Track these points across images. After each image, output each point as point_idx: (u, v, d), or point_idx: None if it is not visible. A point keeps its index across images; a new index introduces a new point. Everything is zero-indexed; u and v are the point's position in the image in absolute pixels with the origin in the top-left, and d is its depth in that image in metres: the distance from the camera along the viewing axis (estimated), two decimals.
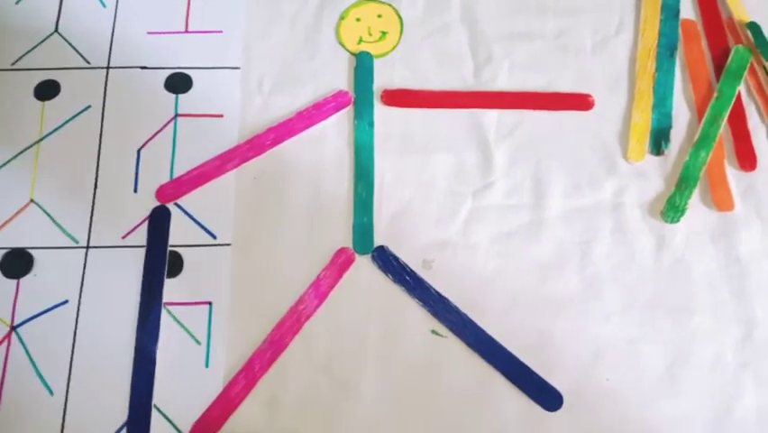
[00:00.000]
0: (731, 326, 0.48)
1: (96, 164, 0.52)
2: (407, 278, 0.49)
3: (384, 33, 0.55)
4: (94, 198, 0.51)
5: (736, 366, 0.47)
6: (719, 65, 0.55)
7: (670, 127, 0.53)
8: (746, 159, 0.52)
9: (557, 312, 0.48)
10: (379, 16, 0.56)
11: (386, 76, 0.55)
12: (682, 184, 0.51)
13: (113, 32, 0.56)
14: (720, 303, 0.48)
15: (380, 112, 0.54)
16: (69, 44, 0.55)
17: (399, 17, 0.56)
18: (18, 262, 0.49)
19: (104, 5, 0.57)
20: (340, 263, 0.49)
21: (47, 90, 0.53)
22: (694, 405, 0.46)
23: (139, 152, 0.52)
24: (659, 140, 0.53)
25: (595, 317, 0.48)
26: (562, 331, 0.47)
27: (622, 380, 0.46)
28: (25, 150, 0.52)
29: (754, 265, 0.49)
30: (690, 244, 0.50)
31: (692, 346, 0.47)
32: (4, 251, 0.49)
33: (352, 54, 0.55)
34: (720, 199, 0.51)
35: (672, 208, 0.50)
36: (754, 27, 0.55)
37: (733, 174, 0.52)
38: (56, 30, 0.56)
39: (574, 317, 0.48)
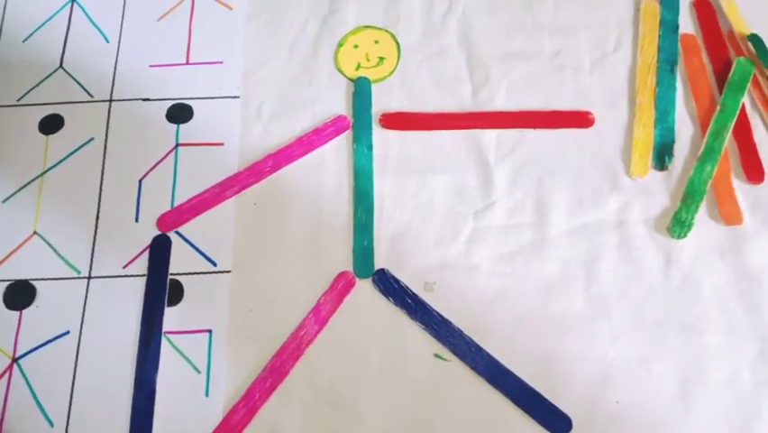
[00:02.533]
0: (746, 343, 0.46)
1: (98, 195, 0.52)
2: (409, 301, 0.48)
3: (382, 59, 0.56)
4: (96, 228, 0.51)
5: (752, 385, 0.45)
6: (721, 78, 0.54)
7: (673, 142, 0.52)
8: (754, 171, 0.51)
9: (563, 333, 0.47)
10: (377, 42, 0.56)
11: (384, 100, 0.55)
12: (688, 199, 0.50)
13: (116, 66, 0.57)
14: (733, 319, 0.47)
15: (379, 135, 0.53)
16: (74, 79, 0.56)
17: (397, 42, 0.57)
18: (21, 294, 0.49)
19: (107, 41, 0.58)
20: (340, 288, 0.48)
21: (51, 124, 0.54)
22: (710, 426, 0.44)
23: (140, 181, 0.52)
24: (662, 155, 0.52)
25: (603, 338, 0.47)
26: (570, 352, 0.46)
27: (633, 402, 0.45)
28: (29, 183, 0.52)
29: (766, 280, 0.47)
30: (699, 259, 0.49)
31: (706, 365, 0.46)
32: (8, 283, 0.49)
33: (351, 80, 0.55)
34: (728, 213, 0.50)
35: (678, 224, 0.49)
36: (755, 39, 0.55)
37: (740, 187, 0.51)
38: (60, 65, 0.57)
39: (581, 338, 0.47)
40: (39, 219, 0.51)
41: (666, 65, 0.55)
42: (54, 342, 0.47)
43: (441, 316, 0.47)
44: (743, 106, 0.53)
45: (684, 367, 0.46)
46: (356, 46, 0.56)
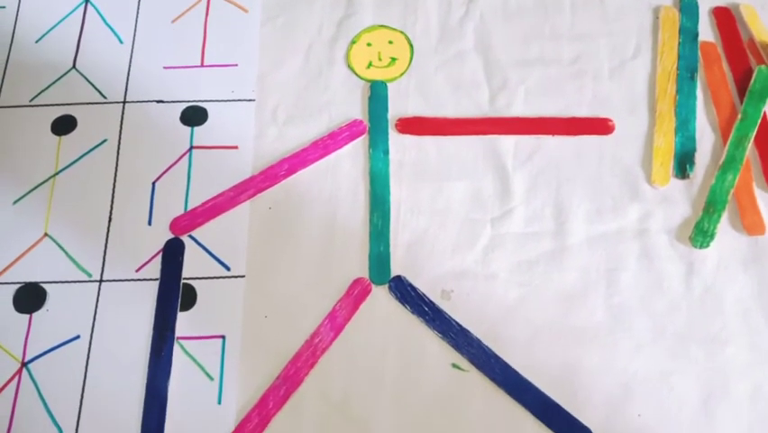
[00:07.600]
0: None
1: (110, 197, 0.51)
2: (426, 309, 0.47)
3: (394, 59, 0.55)
4: (108, 231, 0.50)
5: None
6: (742, 87, 0.54)
7: (694, 150, 0.52)
8: None
9: (584, 344, 0.46)
10: (390, 42, 0.56)
11: (400, 104, 0.54)
12: (710, 208, 0.49)
13: (129, 67, 0.56)
14: (756, 332, 0.46)
15: (395, 140, 0.53)
16: (87, 80, 0.56)
17: (410, 44, 0.56)
18: (31, 297, 0.48)
19: (121, 42, 0.57)
20: (356, 294, 0.48)
21: (63, 125, 0.54)
22: None
23: (154, 184, 0.52)
24: (684, 163, 0.51)
25: (624, 349, 0.46)
26: (590, 364, 0.45)
27: (655, 415, 0.44)
28: (41, 184, 0.52)
29: None
30: (722, 270, 0.48)
31: (728, 379, 0.45)
32: (18, 285, 0.48)
33: (360, 78, 0.55)
34: (751, 224, 0.49)
35: (700, 233, 0.48)
36: None
37: (762, 197, 0.50)
38: (74, 66, 0.56)
39: (602, 349, 0.46)
40: (50, 221, 0.50)
41: (686, 73, 0.55)
42: (64, 346, 0.47)
43: (459, 324, 0.46)
44: (764, 115, 0.52)
45: (707, 381, 0.45)
46: (369, 44, 0.56)
